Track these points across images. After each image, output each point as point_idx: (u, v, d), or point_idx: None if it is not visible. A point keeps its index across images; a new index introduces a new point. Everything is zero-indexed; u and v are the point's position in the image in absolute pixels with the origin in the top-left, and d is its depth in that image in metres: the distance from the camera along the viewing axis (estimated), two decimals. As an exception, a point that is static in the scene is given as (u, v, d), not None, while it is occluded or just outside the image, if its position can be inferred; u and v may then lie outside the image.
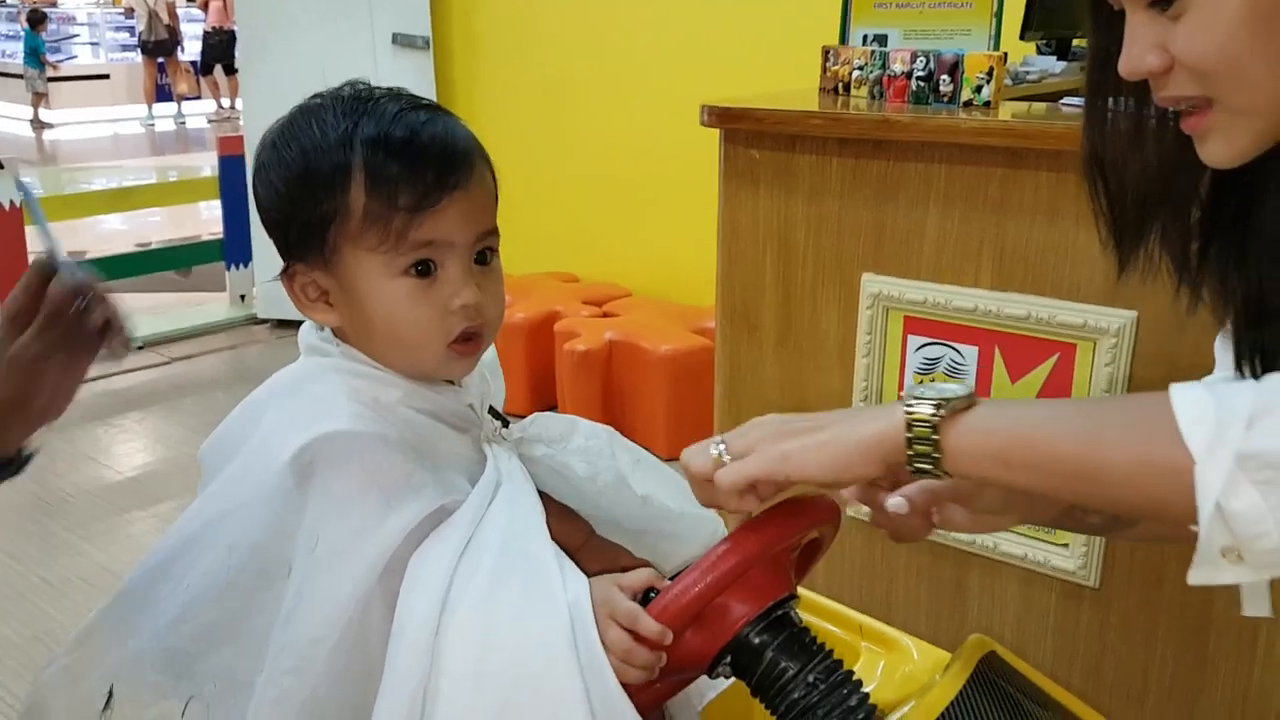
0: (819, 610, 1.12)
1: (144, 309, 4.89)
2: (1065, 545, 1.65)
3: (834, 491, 0.93)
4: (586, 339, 3.28)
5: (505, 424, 1.02)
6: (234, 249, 4.98)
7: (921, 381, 1.74)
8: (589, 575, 0.90)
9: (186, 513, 0.95)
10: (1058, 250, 1.58)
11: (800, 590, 0.94)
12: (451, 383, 0.98)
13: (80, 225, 5.93)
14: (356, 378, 0.93)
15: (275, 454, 0.88)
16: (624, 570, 0.93)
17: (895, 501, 0.92)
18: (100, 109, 12.38)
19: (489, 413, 1.01)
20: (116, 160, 9.51)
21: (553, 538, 1.00)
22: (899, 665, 1.08)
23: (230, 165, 4.92)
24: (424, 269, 0.91)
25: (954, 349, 1.70)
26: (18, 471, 0.96)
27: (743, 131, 1.82)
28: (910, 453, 0.79)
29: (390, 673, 0.84)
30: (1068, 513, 0.98)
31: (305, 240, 0.92)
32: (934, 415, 0.78)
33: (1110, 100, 0.87)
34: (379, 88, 0.95)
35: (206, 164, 7.45)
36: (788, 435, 0.83)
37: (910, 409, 0.79)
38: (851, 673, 0.87)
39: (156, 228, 6.56)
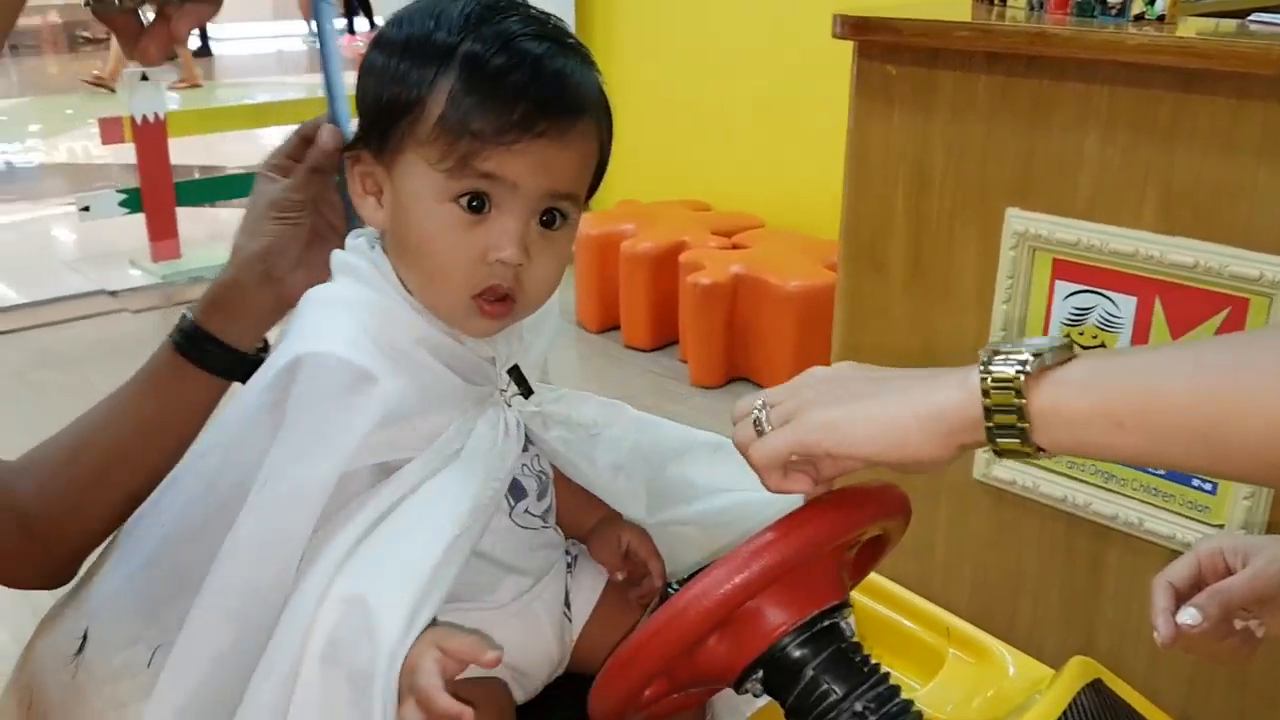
0: (899, 604, 0.97)
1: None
2: (1221, 526, 1.46)
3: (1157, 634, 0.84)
4: (711, 271, 3.14)
5: (526, 391, 0.90)
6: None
7: (1068, 335, 1.56)
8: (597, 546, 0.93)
9: None
10: (1234, 190, 1.39)
11: (877, 579, 0.80)
12: None
13: (235, 138, 5.99)
14: (372, 307, 0.82)
15: (258, 379, 0.79)
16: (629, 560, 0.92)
17: (1188, 614, 0.83)
18: (261, 24, 12.60)
19: (509, 373, 0.89)
20: (274, 76, 9.67)
21: (558, 519, 0.94)
22: (989, 680, 0.92)
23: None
24: (477, 204, 0.80)
25: (1108, 298, 1.52)
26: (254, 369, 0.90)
27: (878, 44, 1.65)
28: (990, 424, 0.64)
29: (270, 648, 0.75)
30: None
31: (376, 126, 0.83)
32: (1019, 373, 0.63)
33: None
34: (527, 7, 0.84)
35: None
36: (837, 399, 0.69)
37: (988, 369, 0.64)
38: (910, 703, 0.71)
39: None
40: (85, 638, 0.85)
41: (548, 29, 0.83)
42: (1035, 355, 0.63)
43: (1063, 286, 1.57)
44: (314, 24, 1.01)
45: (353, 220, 0.89)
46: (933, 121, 1.62)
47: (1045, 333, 1.59)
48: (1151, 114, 1.43)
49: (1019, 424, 0.63)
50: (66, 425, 0.92)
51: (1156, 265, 1.46)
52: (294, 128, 0.96)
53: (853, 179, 1.74)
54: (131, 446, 0.88)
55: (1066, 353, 0.64)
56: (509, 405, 0.88)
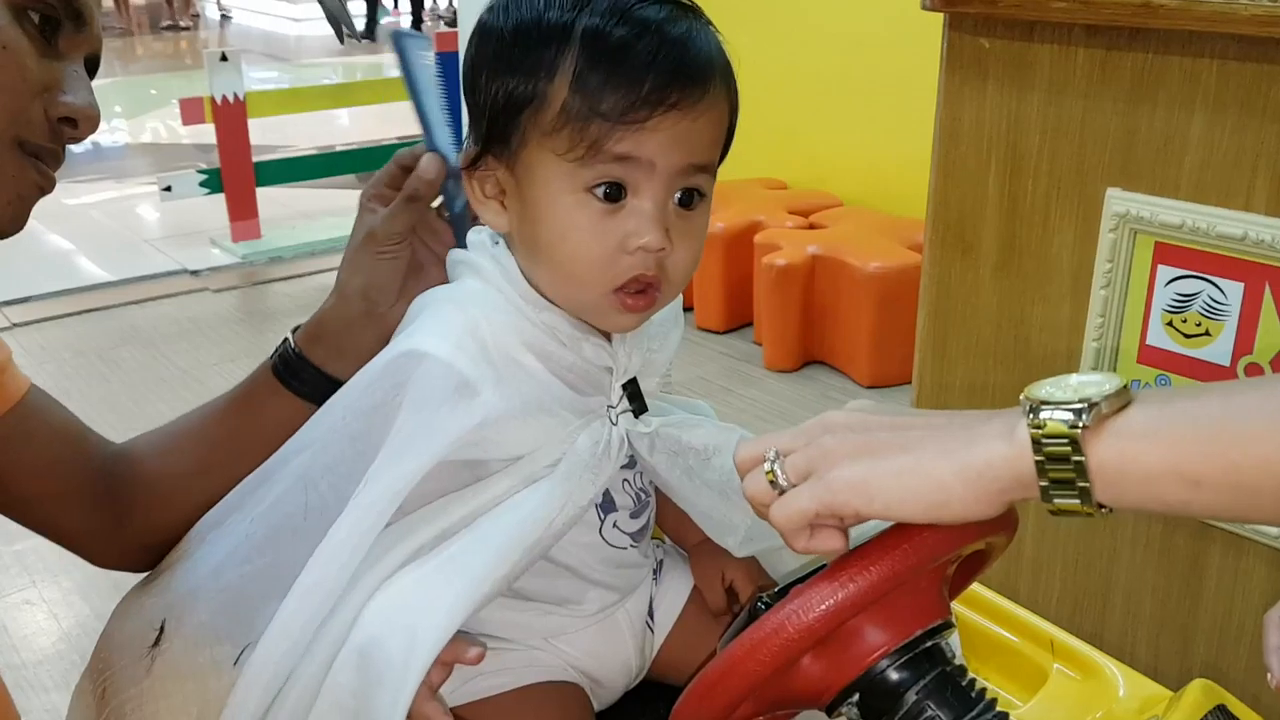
0: (997, 614, 0.91)
1: (346, 209, 4.94)
2: (1336, 527, 1.38)
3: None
4: (787, 252, 3.08)
5: (639, 408, 0.84)
6: (446, 146, 4.97)
7: (1170, 322, 1.49)
8: (699, 571, 0.90)
9: None
10: (1356, 171, 1.30)
11: (977, 588, 0.74)
12: (606, 335, 0.83)
13: (307, 120, 6.03)
14: (489, 307, 0.79)
15: (360, 379, 0.78)
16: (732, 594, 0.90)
17: None
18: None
19: (624, 387, 0.84)
20: (341, 57, 9.72)
21: (664, 526, 0.92)
22: (1097, 700, 0.86)
23: (445, 62, 4.87)
24: (612, 192, 0.75)
25: (1214, 284, 1.44)
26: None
27: (971, 16, 1.57)
28: (1044, 483, 0.57)
29: (323, 629, 0.75)
30: None
31: (495, 125, 0.78)
32: (1075, 426, 0.55)
33: None
34: None
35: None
36: (863, 451, 0.62)
37: (1037, 421, 0.57)
38: None
39: (376, 127, 6.62)
40: (162, 629, 0.83)
41: None
42: (1090, 405, 0.56)
43: (1165, 271, 1.49)
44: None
45: (464, 242, 0.86)
46: (1028, 98, 1.55)
47: (1145, 320, 1.51)
48: (1264, 91, 1.35)
49: (1079, 482, 0.56)
50: (166, 422, 0.93)
51: (1267, 250, 1.37)
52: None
53: (942, 158, 1.66)
54: (220, 455, 0.88)
55: (1123, 397, 0.57)
56: (614, 423, 0.82)
